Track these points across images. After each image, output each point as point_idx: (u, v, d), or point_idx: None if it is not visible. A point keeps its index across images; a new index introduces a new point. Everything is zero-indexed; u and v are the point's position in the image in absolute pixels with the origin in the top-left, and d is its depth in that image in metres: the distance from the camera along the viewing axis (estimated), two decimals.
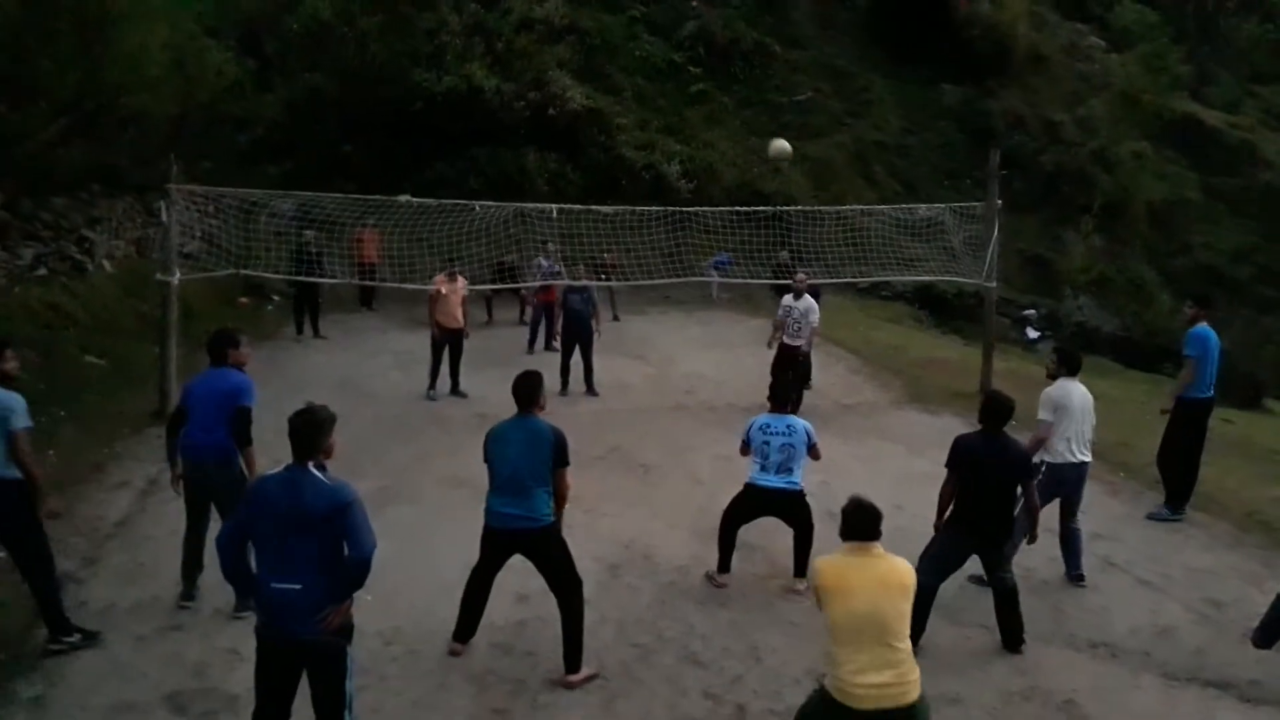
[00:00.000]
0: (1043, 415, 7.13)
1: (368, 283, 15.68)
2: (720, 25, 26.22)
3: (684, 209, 15.31)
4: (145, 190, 15.13)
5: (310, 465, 4.29)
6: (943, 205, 14.92)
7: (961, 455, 6.10)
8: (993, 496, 6.02)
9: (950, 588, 6.31)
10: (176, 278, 10.83)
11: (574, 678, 5.59)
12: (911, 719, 4.14)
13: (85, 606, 6.31)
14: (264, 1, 20.32)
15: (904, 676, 4.15)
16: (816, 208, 16.65)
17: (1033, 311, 22.66)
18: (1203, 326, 8.73)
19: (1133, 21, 33.97)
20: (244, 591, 4.47)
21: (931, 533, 6.33)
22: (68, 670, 5.56)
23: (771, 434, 6.86)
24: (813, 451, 6.96)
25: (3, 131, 11.87)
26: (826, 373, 13.80)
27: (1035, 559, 7.49)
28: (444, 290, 11.80)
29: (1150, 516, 8.80)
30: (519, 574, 5.92)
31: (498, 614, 6.09)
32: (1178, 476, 8.84)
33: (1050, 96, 29.36)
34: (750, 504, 7.01)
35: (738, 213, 15.24)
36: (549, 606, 5.93)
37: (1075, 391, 7.25)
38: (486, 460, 5.67)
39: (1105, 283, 25.29)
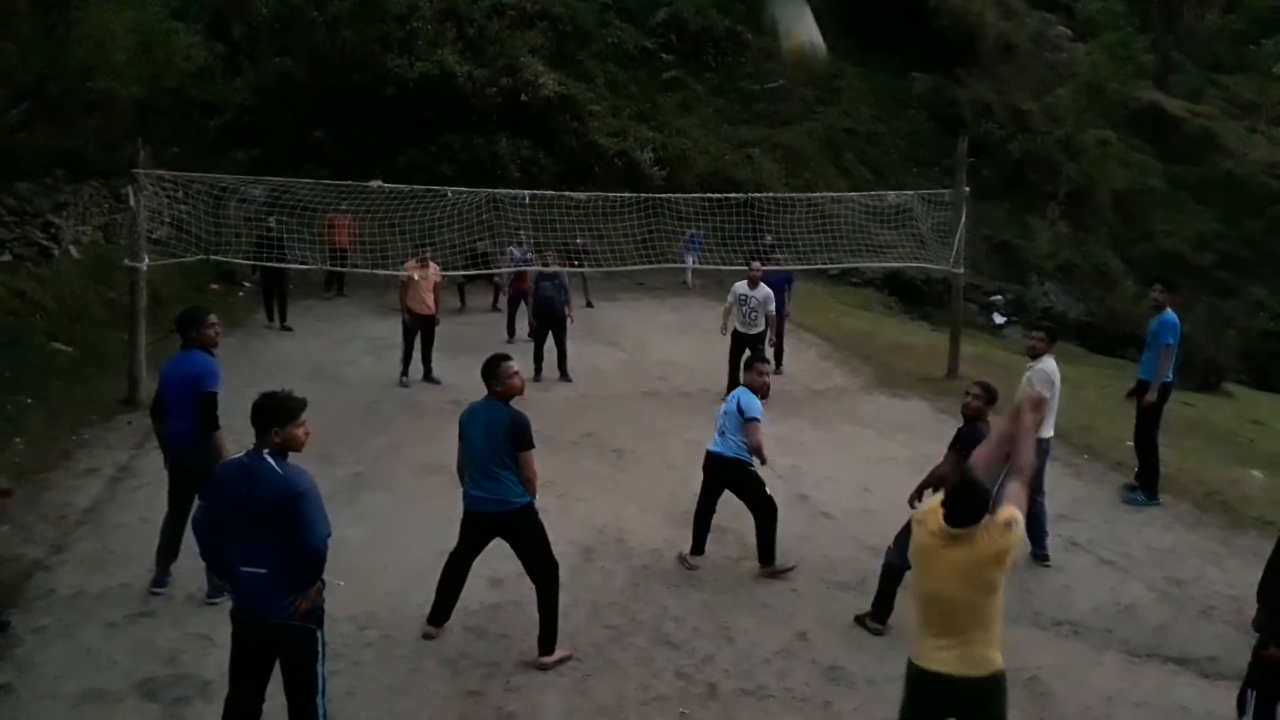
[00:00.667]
0: (1044, 391, 7.17)
1: (339, 268, 15.56)
2: (693, 12, 26.22)
3: (657, 195, 15.39)
4: (112, 175, 14.95)
5: (266, 453, 4.25)
6: (911, 192, 15.08)
7: (971, 444, 6.07)
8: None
9: None
10: (145, 264, 10.72)
11: (547, 659, 5.65)
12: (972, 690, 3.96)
13: (54, 594, 6.27)
14: None
15: (973, 653, 3.95)
16: (788, 195, 16.75)
17: (999, 297, 22.95)
18: (1172, 313, 8.89)
19: (1098, 11, 34.37)
20: (219, 574, 4.53)
21: (901, 513, 6.42)
22: (38, 658, 5.53)
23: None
24: (748, 429, 6.76)
25: None
26: (797, 358, 13.91)
27: None
28: (415, 276, 11.76)
29: (1128, 501, 8.90)
30: (493, 558, 5.96)
31: (471, 598, 6.13)
32: (1153, 461, 8.98)
33: (1018, 85, 29.64)
34: (705, 474, 7.16)
35: (710, 199, 15.30)
36: (523, 590, 5.99)
37: (1053, 366, 7.59)
38: (460, 436, 5.74)
39: (1071, 269, 25.64)
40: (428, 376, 11.98)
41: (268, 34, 20.82)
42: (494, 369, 5.66)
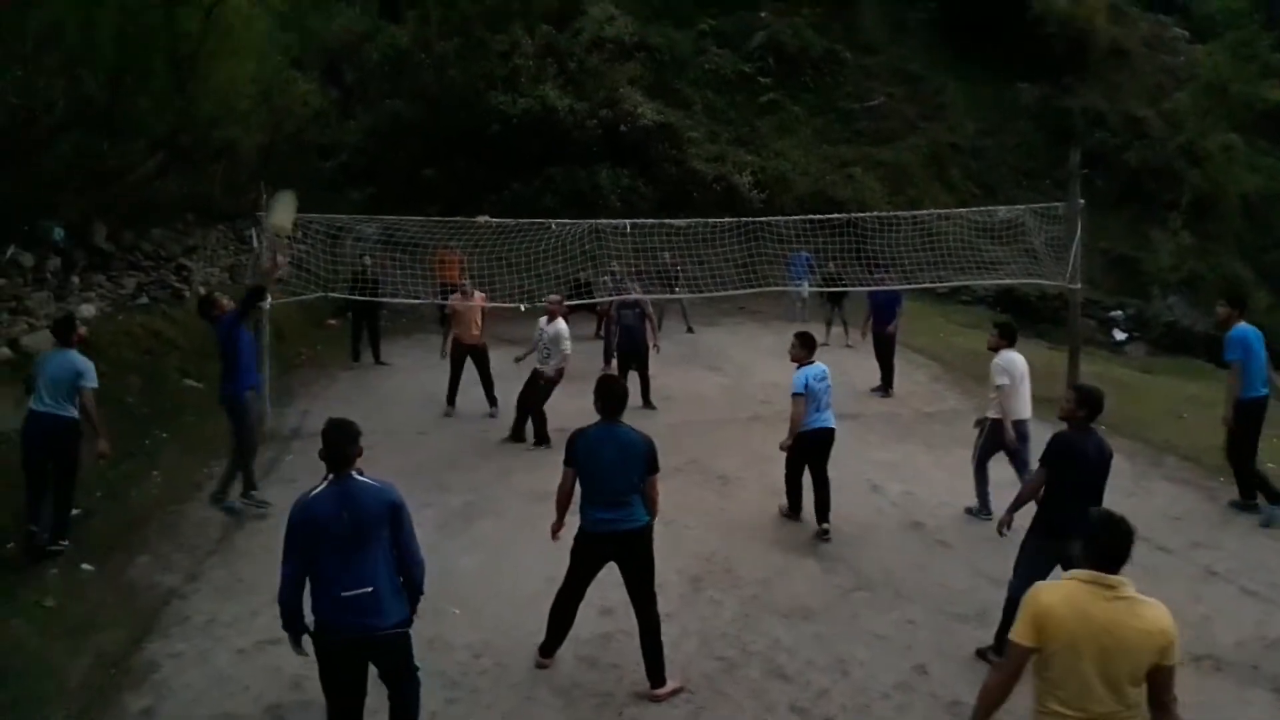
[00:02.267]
0: (1001, 380, 8.21)
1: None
2: (789, 34, 26.16)
3: (756, 219, 15.30)
4: (236, 218, 15.76)
5: (355, 472, 4.47)
6: (1022, 207, 14.61)
7: (1062, 452, 5.83)
8: (1087, 492, 5.82)
9: None
10: (268, 302, 11.23)
11: (661, 691, 5.62)
12: None
13: (189, 621, 6.58)
14: (345, 32, 21.00)
15: None
16: (892, 213, 16.44)
17: (1119, 313, 21.99)
18: (1240, 326, 8.69)
19: (1218, 10, 32.78)
20: (294, 631, 4.57)
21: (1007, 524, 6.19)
22: (174, 683, 5.80)
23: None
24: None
25: (105, 166, 12.48)
26: (908, 380, 13.61)
27: (1131, 569, 7.24)
28: (459, 309, 11.93)
29: (1265, 525, 8.44)
30: (604, 587, 5.97)
31: (583, 627, 6.15)
32: (1248, 474, 8.68)
33: (1132, 91, 28.48)
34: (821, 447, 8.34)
35: (811, 221, 15.14)
36: (632, 621, 5.98)
37: (1017, 359, 8.36)
38: (570, 462, 5.64)
39: (1196, 281, 24.37)
40: (491, 403, 11.97)
41: (378, 78, 21.70)
42: (615, 390, 5.68)
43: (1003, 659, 3.76)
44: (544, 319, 11.02)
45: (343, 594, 4.36)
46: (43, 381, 7.43)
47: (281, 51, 17.02)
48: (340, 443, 4.47)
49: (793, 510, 8.53)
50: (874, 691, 5.72)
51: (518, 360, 11.50)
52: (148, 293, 13.35)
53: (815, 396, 8.07)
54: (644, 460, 5.55)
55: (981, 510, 8.55)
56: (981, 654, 6.05)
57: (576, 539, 5.73)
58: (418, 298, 15.09)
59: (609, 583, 5.84)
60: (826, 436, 8.21)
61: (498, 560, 7.54)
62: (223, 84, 13.97)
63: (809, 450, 8.23)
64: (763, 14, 26.95)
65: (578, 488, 5.69)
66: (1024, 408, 8.37)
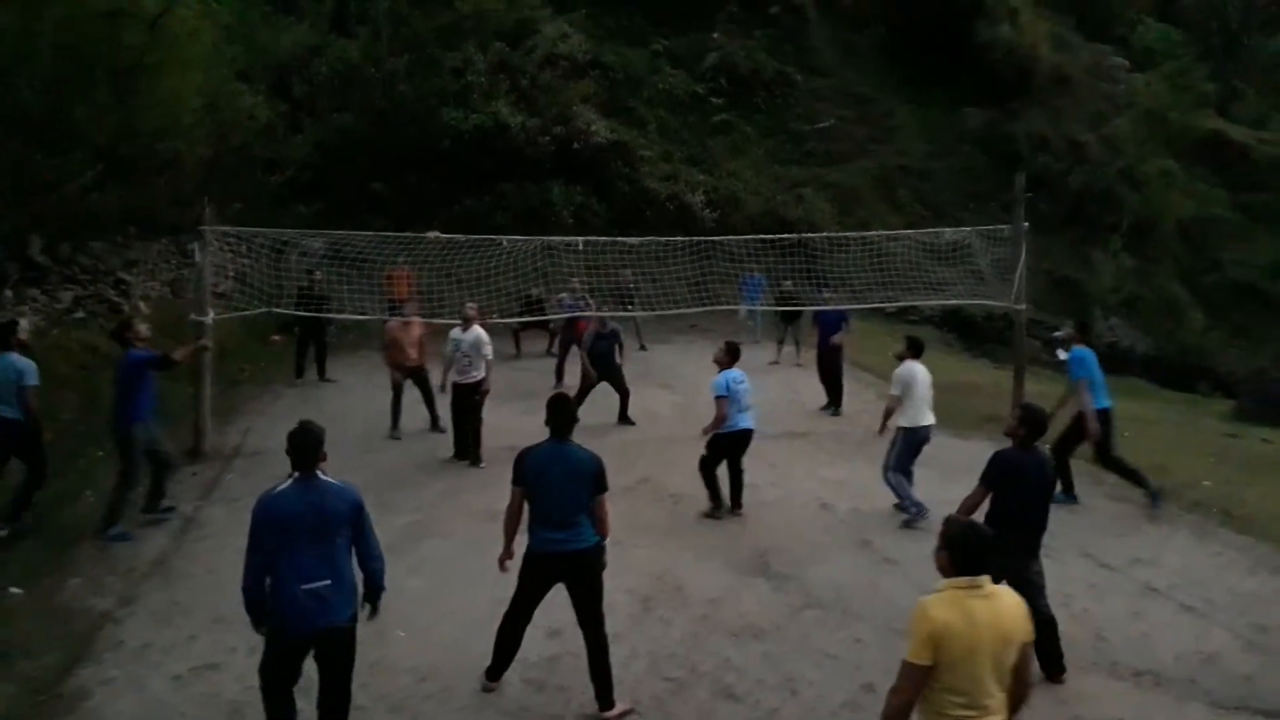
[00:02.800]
0: (894, 390, 9.13)
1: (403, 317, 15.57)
2: (741, 56, 26.44)
3: (709, 238, 15.36)
4: (179, 232, 15.44)
5: (319, 472, 4.75)
6: (969, 228, 14.86)
7: (1003, 472, 5.89)
8: (1028, 510, 5.90)
9: None
10: (210, 317, 11.00)
11: (609, 713, 5.55)
12: None
13: (122, 646, 6.37)
14: (294, 45, 20.75)
15: (1004, 713, 3.82)
16: (842, 233, 16.63)
17: (1062, 333, 22.45)
18: (1079, 349, 9.64)
19: (1156, 40, 33.92)
20: (256, 621, 4.78)
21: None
22: (106, 711, 5.60)
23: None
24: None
25: (42, 178, 12.15)
26: (856, 399, 13.72)
27: (1074, 586, 7.39)
28: (397, 335, 11.80)
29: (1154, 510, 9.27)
30: (551, 609, 5.90)
31: (530, 650, 6.07)
32: (1129, 473, 9.60)
33: (1075, 117, 29.23)
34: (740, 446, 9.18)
35: (762, 240, 15.25)
36: (581, 642, 5.90)
37: (919, 370, 9.10)
38: (519, 481, 5.56)
39: (1136, 302, 25.05)
40: (434, 426, 11.86)
41: (328, 91, 21.45)
42: (566, 409, 5.64)
43: (900, 683, 3.81)
44: (457, 329, 10.85)
45: (301, 587, 4.58)
46: None
47: (228, 64, 16.76)
48: (307, 444, 4.74)
49: (715, 504, 9.09)
50: (823, 711, 5.71)
51: (441, 389, 11.31)
52: (85, 307, 13.02)
53: (736, 398, 8.85)
54: (592, 480, 5.50)
55: (916, 513, 8.92)
56: None
57: (525, 559, 5.64)
58: (365, 313, 14.87)
59: (557, 604, 5.77)
60: (746, 437, 9.02)
61: (445, 582, 7.43)
62: (166, 96, 13.70)
63: (729, 449, 9.02)
64: (715, 35, 27.21)
65: (526, 508, 5.61)
66: (926, 414, 9.12)
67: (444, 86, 21.30)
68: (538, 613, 5.80)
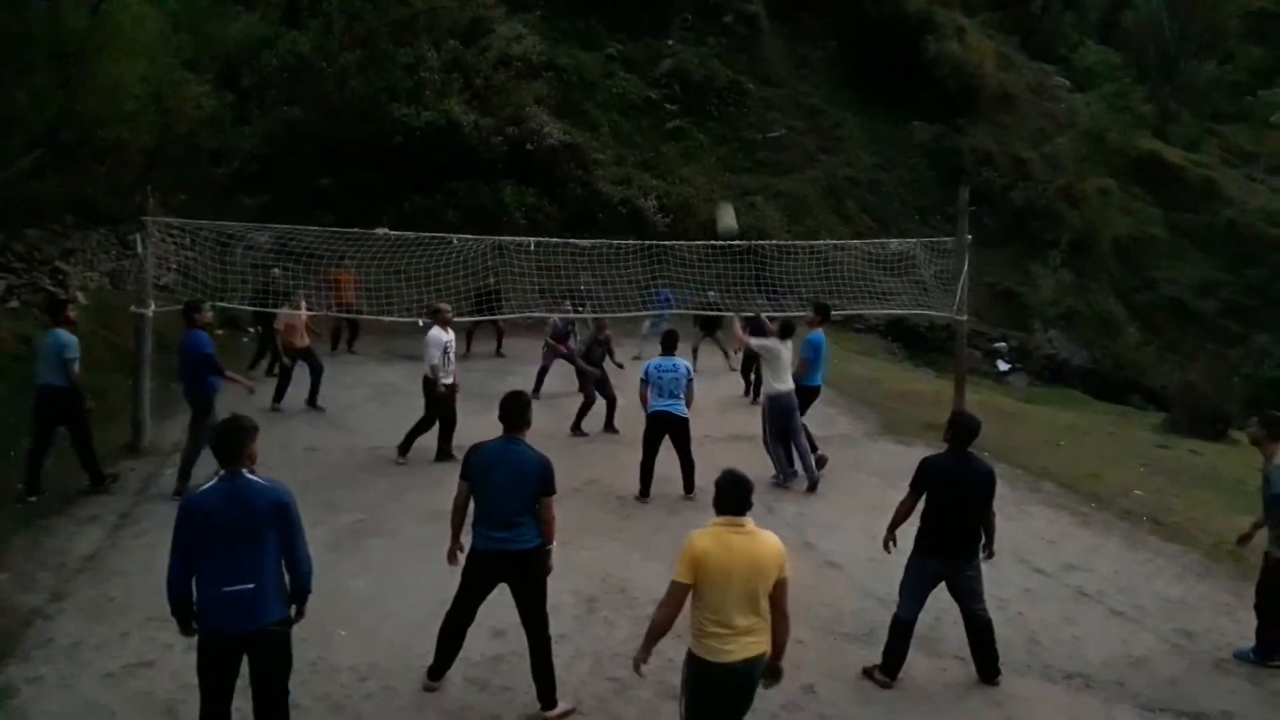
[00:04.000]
0: (805, 354, 10.27)
1: (348, 315, 15.38)
2: (695, 63, 26.61)
3: (660, 243, 15.44)
4: (120, 222, 15.07)
5: (245, 471, 4.51)
6: (914, 240, 15.16)
7: (929, 475, 6.04)
8: (963, 515, 6.01)
9: (926, 619, 6.33)
10: (151, 310, 10.76)
11: (551, 713, 5.55)
12: (758, 669, 4.57)
13: (52, 644, 6.20)
14: (243, 36, 20.37)
15: (763, 638, 4.51)
16: (790, 242, 16.83)
17: (1004, 344, 22.97)
18: (817, 333, 10.76)
19: (1096, 62, 34.91)
20: (181, 619, 4.60)
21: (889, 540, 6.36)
22: (33, 710, 5.45)
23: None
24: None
25: None
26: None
27: (1009, 590, 7.57)
28: (290, 322, 12.77)
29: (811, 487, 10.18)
30: (494, 608, 5.88)
31: (473, 649, 6.04)
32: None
33: (1018, 134, 29.99)
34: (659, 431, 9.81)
35: (713, 247, 15.37)
36: (525, 642, 5.89)
37: (785, 347, 10.12)
38: (466, 476, 5.54)
39: (1074, 316, 25.73)
40: (313, 404, 12.71)
41: (277, 83, 21.11)
42: (520, 406, 5.57)
43: (665, 598, 4.51)
44: (437, 329, 10.70)
45: (224, 589, 4.42)
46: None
47: (174, 52, 16.41)
48: (232, 438, 4.53)
49: (641, 492, 9.61)
50: (763, 712, 5.76)
51: (442, 388, 10.95)
52: (19, 296, 12.65)
53: (655, 383, 9.59)
54: (538, 481, 5.46)
55: (784, 479, 10.15)
56: (868, 673, 6.19)
57: (468, 558, 5.63)
58: (314, 309, 14.58)
59: (500, 604, 5.76)
60: (667, 420, 9.51)
61: (388, 581, 7.36)
62: (109, 83, 13.38)
63: (655, 430, 9.57)
64: (670, 42, 27.36)
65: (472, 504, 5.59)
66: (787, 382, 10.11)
67: (396, 83, 21.10)
68: (481, 611, 5.78)
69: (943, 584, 6.14)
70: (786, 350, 10.24)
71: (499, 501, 5.44)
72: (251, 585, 4.43)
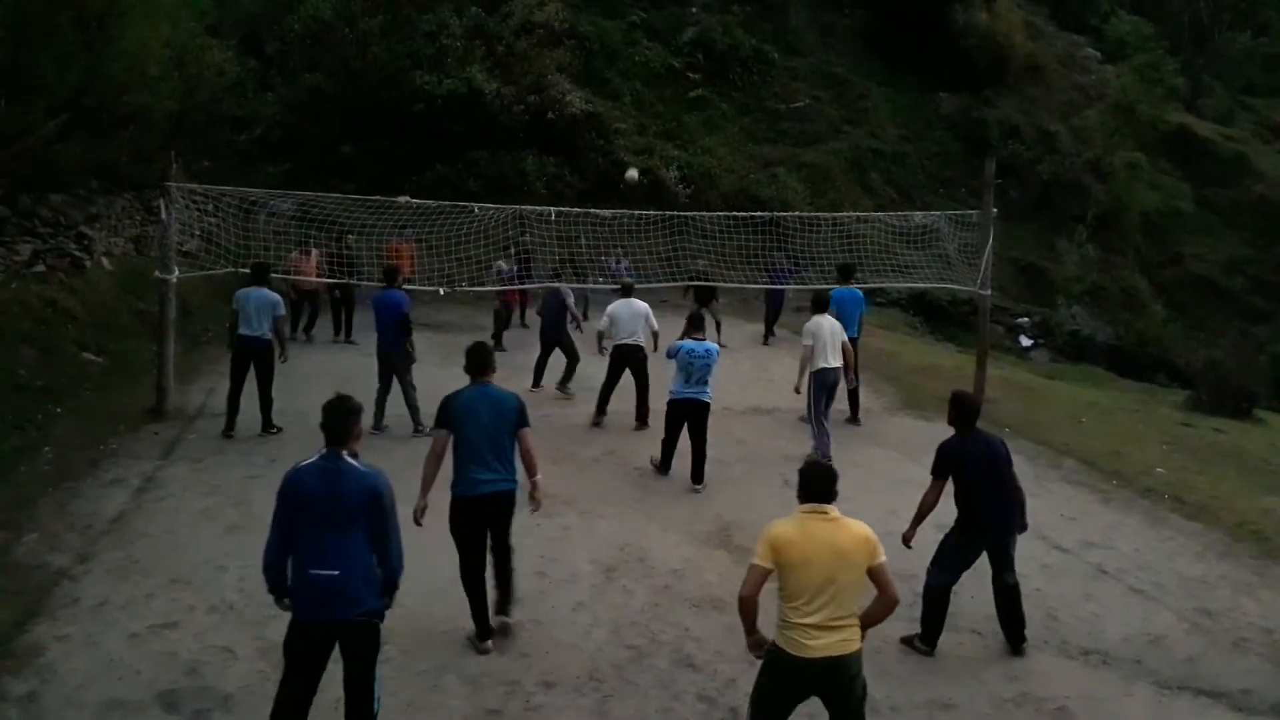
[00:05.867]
0: (805, 341, 10.05)
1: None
2: (719, 32, 26.30)
3: (681, 214, 15.34)
4: (144, 188, 15.14)
5: (345, 453, 4.45)
6: (938, 213, 14.99)
7: (948, 459, 6.14)
8: (994, 488, 6.11)
9: None
10: (175, 275, 10.84)
11: (506, 617, 6.04)
12: (849, 666, 4.34)
13: (78, 603, 6.31)
14: (266, 2, 20.32)
15: (852, 633, 4.33)
16: (813, 214, 16.69)
17: (1026, 320, 22.76)
18: (839, 289, 11.46)
19: (1128, 33, 34.20)
20: (276, 595, 4.61)
21: (929, 535, 6.36)
22: (61, 668, 5.55)
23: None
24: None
25: (2, 127, 11.85)
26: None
27: (1028, 566, 7.53)
28: (300, 266, 13.56)
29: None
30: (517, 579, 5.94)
31: (492, 616, 6.10)
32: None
33: (1046, 106, 29.51)
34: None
35: (734, 218, 15.26)
36: (543, 609, 5.96)
37: (825, 322, 10.08)
38: (446, 424, 5.82)
39: (1099, 292, 25.42)
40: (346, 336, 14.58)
41: (299, 50, 21.06)
42: (484, 352, 6.00)
43: (746, 579, 4.39)
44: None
45: (311, 571, 4.37)
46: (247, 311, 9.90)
47: (197, 18, 16.40)
48: (340, 420, 4.48)
49: (662, 467, 9.49)
50: None
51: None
52: (45, 260, 12.75)
53: (684, 367, 9.23)
54: (516, 415, 5.85)
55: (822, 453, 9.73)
56: (907, 641, 6.26)
57: (456, 507, 5.83)
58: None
59: (517, 572, 5.81)
60: (690, 407, 9.22)
61: (408, 547, 7.40)
62: (133, 47, 13.37)
63: (678, 415, 9.32)
64: (693, 9, 27.05)
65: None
66: (832, 359, 10.02)
67: (418, 49, 20.98)
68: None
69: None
70: (826, 323, 10.11)
71: (484, 439, 5.74)
72: (338, 572, 4.34)
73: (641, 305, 11.21)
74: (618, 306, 11.22)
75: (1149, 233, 27.73)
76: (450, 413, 5.80)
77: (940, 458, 6.18)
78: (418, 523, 5.74)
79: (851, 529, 4.38)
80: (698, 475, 9.23)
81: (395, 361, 10.30)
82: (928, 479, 6.23)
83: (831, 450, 9.72)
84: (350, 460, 4.45)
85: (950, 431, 6.30)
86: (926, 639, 6.19)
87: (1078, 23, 35.78)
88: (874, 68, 28.35)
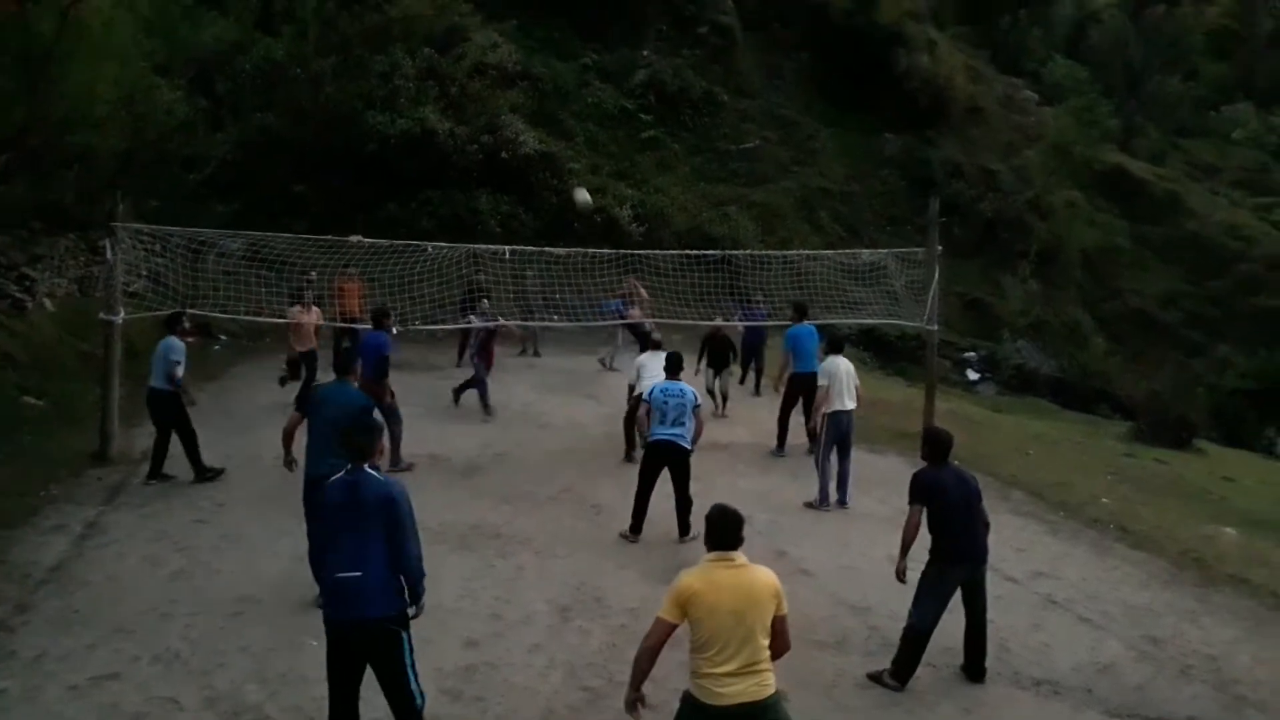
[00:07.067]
0: (822, 381, 10.09)
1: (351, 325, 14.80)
2: (670, 74, 26.70)
3: (635, 251, 15.46)
4: (90, 228, 14.86)
5: (366, 466, 4.90)
6: (885, 250, 15.27)
7: (924, 486, 6.25)
8: (967, 520, 6.21)
9: (898, 628, 6.38)
10: (120, 317, 10.63)
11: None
12: (766, 711, 4.33)
13: (15, 656, 6.09)
14: (216, 41, 20.20)
15: (765, 678, 4.33)
16: (764, 252, 16.91)
17: (973, 354, 23.21)
18: (795, 327, 11.91)
19: (1064, 77, 35.47)
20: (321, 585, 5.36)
21: (883, 570, 6.42)
22: None
23: None
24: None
25: None
26: (774, 414, 13.92)
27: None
28: (302, 320, 12.80)
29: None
30: (466, 619, 5.88)
31: (446, 659, 6.03)
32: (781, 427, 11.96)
33: (987, 146, 30.37)
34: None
35: (688, 256, 15.42)
36: (498, 651, 5.89)
37: (841, 364, 10.14)
38: (300, 409, 6.99)
39: (1042, 326, 26.06)
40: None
41: (251, 90, 20.93)
42: (350, 355, 7.25)
43: (649, 630, 4.43)
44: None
45: (336, 574, 4.75)
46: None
47: (145, 58, 16.22)
48: (362, 438, 5.02)
49: (633, 529, 8.72)
50: None
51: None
52: None
53: (659, 408, 8.66)
54: (358, 413, 6.25)
55: (821, 503, 9.88)
56: (875, 677, 6.28)
57: (305, 491, 6.61)
58: (281, 316, 14.27)
59: (472, 614, 5.76)
60: (669, 450, 8.59)
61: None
62: (79, 87, 13.19)
63: (654, 460, 8.70)
64: (645, 52, 27.45)
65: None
66: (847, 401, 10.10)
67: (371, 90, 21.00)
68: (454, 622, 5.78)
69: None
70: (843, 364, 10.15)
71: (329, 432, 6.17)
72: (359, 574, 4.68)
73: (690, 390, 8.91)
74: (656, 386, 9.00)
75: (1089, 268, 28.56)
76: (309, 404, 7.00)
77: (916, 485, 6.29)
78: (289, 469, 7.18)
79: (759, 575, 4.38)
80: (684, 527, 8.63)
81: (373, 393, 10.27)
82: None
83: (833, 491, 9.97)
84: (370, 471, 4.88)
85: (921, 464, 6.42)
86: (898, 675, 6.20)
87: (1016, 66, 37.02)
88: (821, 109, 28.98)
